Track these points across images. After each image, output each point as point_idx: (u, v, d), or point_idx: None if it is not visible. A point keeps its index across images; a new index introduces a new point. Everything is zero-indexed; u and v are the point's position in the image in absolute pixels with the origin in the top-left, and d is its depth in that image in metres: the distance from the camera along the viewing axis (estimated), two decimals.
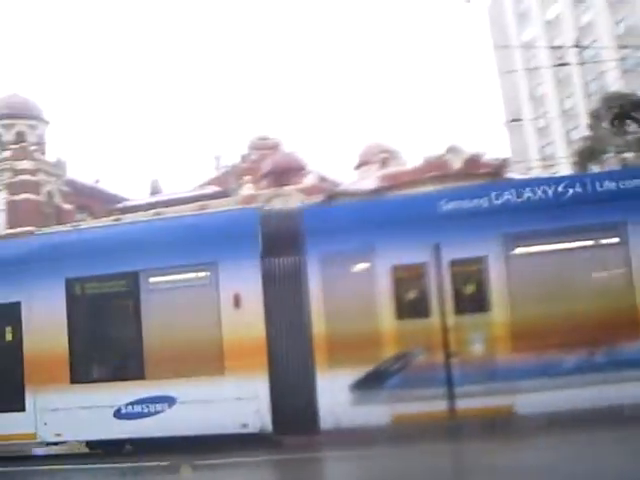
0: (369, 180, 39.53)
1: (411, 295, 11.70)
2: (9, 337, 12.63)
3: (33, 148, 44.97)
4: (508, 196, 11.57)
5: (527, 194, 11.50)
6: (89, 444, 12.60)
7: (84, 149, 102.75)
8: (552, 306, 10.88)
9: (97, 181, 49.88)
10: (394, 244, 11.41)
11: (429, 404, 10.98)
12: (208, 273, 11.93)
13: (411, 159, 42.46)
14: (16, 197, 41.80)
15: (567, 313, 10.77)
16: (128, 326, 12.35)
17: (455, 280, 11.28)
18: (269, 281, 11.72)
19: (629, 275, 10.87)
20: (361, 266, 11.69)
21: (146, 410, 11.83)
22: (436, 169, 34.78)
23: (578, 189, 11.41)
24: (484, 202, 11.63)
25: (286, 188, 41.30)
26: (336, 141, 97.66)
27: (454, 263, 11.28)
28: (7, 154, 43.65)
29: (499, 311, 11.11)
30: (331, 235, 11.74)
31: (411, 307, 11.60)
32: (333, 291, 11.46)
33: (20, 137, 46.11)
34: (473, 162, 27.43)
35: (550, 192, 11.45)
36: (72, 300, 12.40)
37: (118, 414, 11.84)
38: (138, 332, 12.06)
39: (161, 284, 12.22)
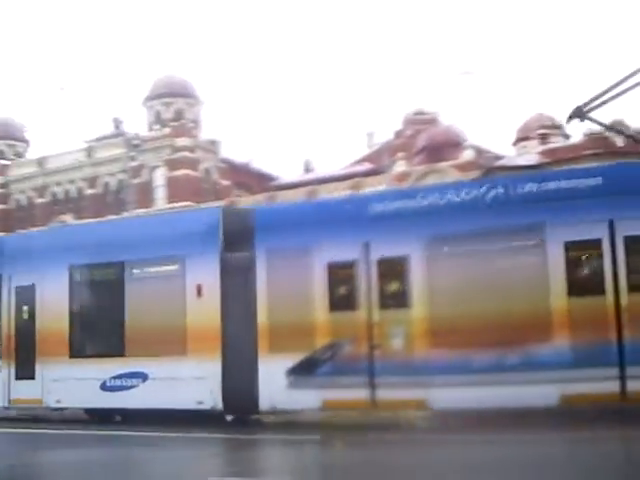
0: (529, 155, 38.64)
1: (343, 290, 12.61)
2: (26, 315, 15.21)
3: (191, 126, 48.33)
4: (432, 198, 12.21)
5: (450, 196, 12.06)
6: (87, 411, 15.05)
7: (236, 130, 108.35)
8: (469, 305, 11.34)
9: (250, 161, 51.92)
10: (329, 242, 12.46)
11: (354, 392, 11.96)
12: (177, 265, 13.68)
13: (576, 133, 40.07)
14: (175, 173, 44.91)
15: (483, 313, 11.20)
16: (114, 309, 14.24)
17: (381, 277, 12.18)
18: (225, 274, 13.23)
19: (545, 277, 11.11)
20: (300, 262, 12.70)
21: (125, 384, 13.84)
22: (598, 145, 33.78)
23: (499, 191, 11.82)
24: (411, 203, 12.39)
25: (441, 164, 41.20)
26: (499, 113, 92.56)
27: (381, 261, 12.18)
28: (167, 131, 46.63)
29: (419, 308, 11.84)
30: (276, 233, 13.06)
31: (342, 301, 12.50)
32: (276, 284, 12.76)
33: (179, 115, 49.67)
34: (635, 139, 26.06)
35: (471, 195, 11.95)
36: (73, 284, 14.76)
37: (104, 386, 13.97)
38: (121, 315, 14.11)
39: (141, 274, 14.17)
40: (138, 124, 49.02)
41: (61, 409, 14.98)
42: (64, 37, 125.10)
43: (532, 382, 10.74)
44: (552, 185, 11.63)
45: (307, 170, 50.28)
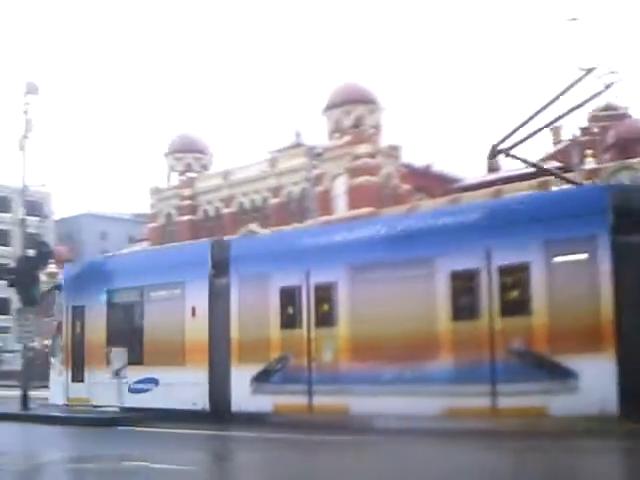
0: None
1: (289, 310, 15.22)
2: (78, 330, 19.18)
3: (371, 132, 50.05)
4: (355, 233, 15.07)
5: (366, 231, 15.03)
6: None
7: (417, 133, 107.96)
8: (379, 327, 13.72)
9: (431, 164, 52.70)
10: (281, 270, 15.25)
11: (296, 398, 14.64)
12: (179, 290, 17.01)
13: None
14: (356, 180, 46.81)
15: (388, 333, 13.54)
16: (137, 326, 17.92)
17: (317, 300, 14.81)
18: (212, 297, 16.38)
19: (434, 303, 13.14)
20: (259, 286, 15.53)
21: (143, 387, 17.29)
22: None
23: (399, 227, 14.29)
24: (335, 238, 15.19)
25: (632, 160, 39.95)
26: None
27: (317, 287, 14.79)
28: (347, 139, 48.64)
29: (343, 327, 14.37)
30: (245, 262, 16.09)
31: (289, 320, 15.17)
32: (243, 305, 15.76)
33: (359, 122, 51.67)
34: None
35: (382, 230, 14.56)
36: (110, 305, 18.50)
37: (129, 389, 17.43)
38: (141, 330, 17.70)
39: (155, 296, 17.61)
40: (318, 133, 51.31)
41: (99, 407, 18.32)
42: (243, 50, 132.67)
43: (422, 394, 12.91)
44: (439, 221, 13.72)
45: (492, 170, 50.08)
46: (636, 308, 11.39)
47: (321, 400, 14.24)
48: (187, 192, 54.20)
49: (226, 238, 22.54)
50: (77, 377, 18.92)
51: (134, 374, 17.24)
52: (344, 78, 54.78)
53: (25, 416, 18.21)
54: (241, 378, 15.39)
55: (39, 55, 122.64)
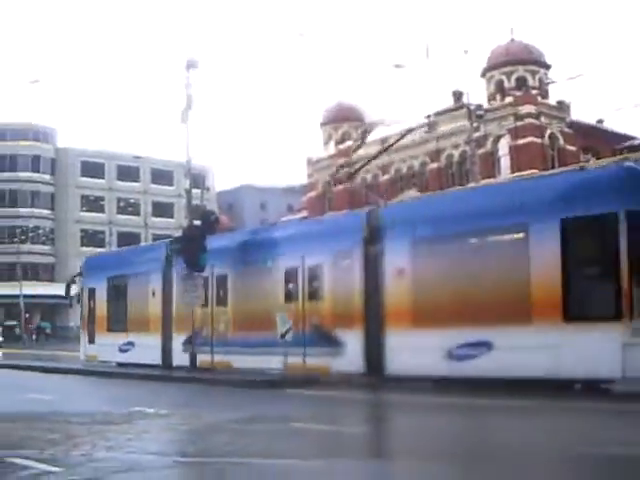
0: None
1: (202, 294, 21.63)
2: (92, 305, 26.83)
3: (534, 92, 49.95)
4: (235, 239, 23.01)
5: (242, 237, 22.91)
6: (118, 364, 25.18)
7: (584, 90, 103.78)
8: (248, 306, 20.61)
9: (600, 121, 52.09)
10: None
11: (205, 357, 21.49)
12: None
13: None
14: (520, 141, 47.24)
15: (253, 312, 20.41)
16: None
17: (218, 287, 21.62)
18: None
19: (275, 290, 19.93)
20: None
21: (126, 348, 24.65)
22: None
23: (253, 237, 22.20)
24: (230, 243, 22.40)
25: None
26: None
27: (217, 278, 21.58)
28: (509, 100, 49.38)
29: (230, 305, 21.38)
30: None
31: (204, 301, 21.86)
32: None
33: (521, 83, 51.73)
34: None
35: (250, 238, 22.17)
36: (109, 288, 26.00)
37: (120, 350, 24.65)
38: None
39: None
40: (477, 96, 52.28)
41: (104, 362, 25.53)
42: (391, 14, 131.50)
43: (273, 354, 18.73)
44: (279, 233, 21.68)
45: None
46: (376, 299, 16.78)
47: (217, 358, 21.52)
48: (344, 160, 57.18)
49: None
50: (91, 340, 26.75)
51: (121, 339, 24.79)
52: (505, 37, 55.18)
53: (170, 377, 21.07)
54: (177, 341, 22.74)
55: (196, 31, 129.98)
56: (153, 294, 23.33)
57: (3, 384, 20.81)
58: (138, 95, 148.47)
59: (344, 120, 60.91)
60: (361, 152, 57.34)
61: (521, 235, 14.39)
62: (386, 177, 53.78)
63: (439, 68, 49.01)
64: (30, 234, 73.67)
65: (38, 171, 75.22)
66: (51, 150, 76.34)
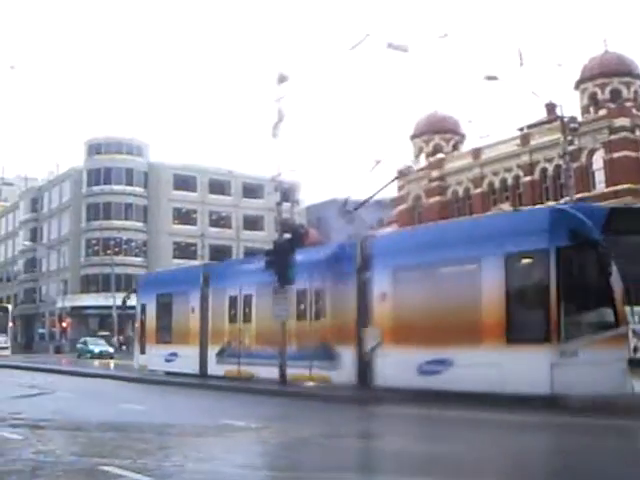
0: None
1: (232, 312, 24.98)
2: (144, 319, 29.88)
3: (629, 105, 48.88)
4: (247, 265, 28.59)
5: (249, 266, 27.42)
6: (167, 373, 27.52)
7: None
8: (266, 324, 23.01)
9: None
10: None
11: (232, 367, 24.43)
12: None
13: None
14: (614, 155, 46.14)
15: (266, 329, 23.14)
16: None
17: (244, 306, 24.59)
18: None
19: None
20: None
21: (170, 358, 27.72)
22: None
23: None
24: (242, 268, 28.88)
25: None
26: None
27: (244, 298, 24.69)
28: (603, 112, 48.33)
29: (254, 322, 24.16)
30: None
31: (231, 318, 25.03)
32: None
33: (615, 95, 50.74)
34: None
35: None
36: (159, 305, 28.88)
37: (166, 359, 27.52)
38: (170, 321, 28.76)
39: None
40: (570, 109, 51.90)
41: (152, 371, 28.09)
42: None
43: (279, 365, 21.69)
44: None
45: None
46: (365, 320, 19.38)
47: (243, 369, 24.29)
48: (436, 173, 57.59)
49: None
50: (142, 350, 29.49)
51: (168, 350, 27.94)
52: (599, 49, 54.61)
53: (283, 392, 20.98)
54: (211, 353, 26.09)
55: (287, 44, 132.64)
56: (192, 310, 26.49)
57: (94, 394, 22.18)
58: (229, 109, 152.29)
59: (435, 132, 61.33)
60: (452, 164, 57.59)
61: (475, 267, 16.53)
62: (478, 190, 53.92)
63: (532, 80, 49.11)
64: (124, 246, 76.92)
65: (132, 184, 78.21)
66: (144, 164, 79.40)
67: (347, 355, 19.63)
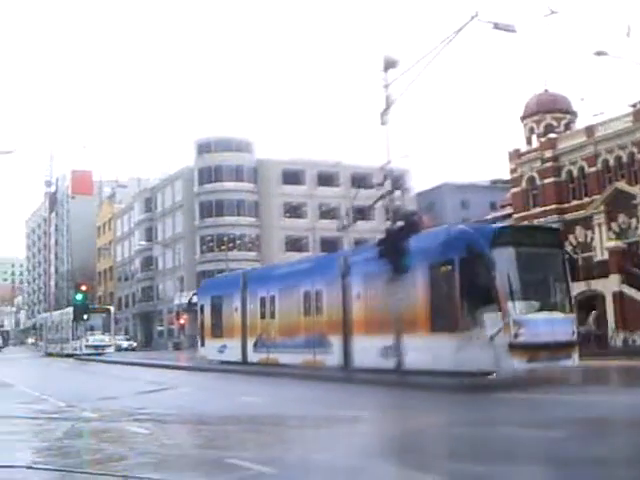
0: None
1: (262, 310, 30.83)
2: (202, 317, 36.52)
3: None
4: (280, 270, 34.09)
5: (283, 269, 33.34)
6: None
7: None
8: (289, 318, 28.86)
9: None
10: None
11: (263, 355, 30.25)
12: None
13: None
14: None
15: (294, 322, 28.39)
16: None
17: (270, 305, 30.64)
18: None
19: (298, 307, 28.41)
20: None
21: (222, 350, 34.28)
22: None
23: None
24: (272, 272, 34.90)
25: None
26: None
27: (269, 298, 30.69)
28: None
29: (277, 318, 29.80)
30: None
31: (262, 315, 30.89)
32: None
33: None
34: None
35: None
36: (213, 305, 35.44)
37: (220, 351, 33.78)
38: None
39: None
40: None
41: (209, 360, 34.10)
42: None
43: (301, 353, 27.32)
44: (302, 266, 31.61)
45: None
46: (347, 315, 25.07)
47: (271, 356, 30.45)
48: (549, 154, 57.68)
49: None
50: (202, 344, 36.02)
51: (221, 343, 34.30)
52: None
53: (401, 382, 20.75)
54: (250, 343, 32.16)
55: (392, 30, 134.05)
56: (236, 310, 32.73)
57: (212, 388, 23.53)
58: (334, 100, 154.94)
59: (546, 112, 61.26)
60: (566, 144, 57.76)
61: (412, 273, 20.92)
62: (593, 169, 53.92)
63: None
64: (237, 242, 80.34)
65: (242, 181, 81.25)
66: (253, 160, 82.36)
67: (336, 343, 25.40)
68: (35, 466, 8.90)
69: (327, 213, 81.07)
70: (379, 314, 22.94)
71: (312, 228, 77.27)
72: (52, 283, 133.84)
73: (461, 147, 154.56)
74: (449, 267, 20.36)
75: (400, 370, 20.61)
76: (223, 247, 76.94)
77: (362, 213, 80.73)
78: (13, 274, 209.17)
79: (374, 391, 19.97)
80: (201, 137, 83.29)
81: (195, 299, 39.57)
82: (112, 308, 64.47)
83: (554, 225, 48.17)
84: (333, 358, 25.38)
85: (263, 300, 30.79)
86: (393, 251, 21.41)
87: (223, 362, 32.44)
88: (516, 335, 18.38)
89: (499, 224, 25.13)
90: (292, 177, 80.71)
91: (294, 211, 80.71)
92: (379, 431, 12.10)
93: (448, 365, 19.36)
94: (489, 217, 65.02)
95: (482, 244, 19.51)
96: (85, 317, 49.48)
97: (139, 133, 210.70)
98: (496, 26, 20.98)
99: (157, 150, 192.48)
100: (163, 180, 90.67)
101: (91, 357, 50.14)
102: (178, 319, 75.27)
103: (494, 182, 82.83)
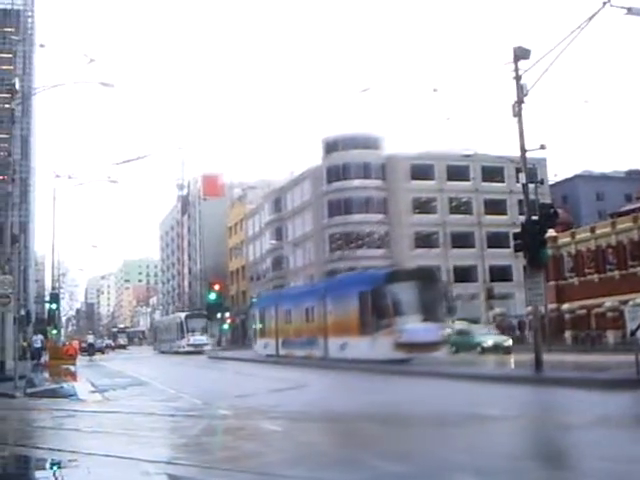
0: None
1: (286, 319, 43.63)
2: (255, 322, 51.01)
3: None
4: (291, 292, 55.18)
5: (291, 292, 56.33)
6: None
7: None
8: (294, 324, 41.87)
9: None
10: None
11: (288, 351, 41.62)
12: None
13: None
14: None
15: (302, 327, 40.39)
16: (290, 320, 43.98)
17: (286, 315, 44.07)
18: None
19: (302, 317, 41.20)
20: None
21: (265, 350, 46.59)
22: None
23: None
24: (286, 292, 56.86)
25: None
26: None
27: (286, 311, 43.93)
28: None
29: (292, 325, 42.06)
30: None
31: (286, 321, 43.26)
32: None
33: None
34: None
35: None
36: (278, 311, 44.75)
37: (263, 348, 47.08)
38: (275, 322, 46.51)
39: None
40: None
41: (259, 354, 45.81)
42: None
43: (307, 349, 38.62)
44: (305, 289, 52.96)
45: None
46: (325, 322, 37.59)
47: (286, 352, 42.21)
48: None
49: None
50: (255, 342, 48.63)
51: (271, 344, 45.28)
52: None
53: (538, 379, 20.21)
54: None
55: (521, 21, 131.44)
56: (271, 318, 45.30)
57: (339, 386, 23.44)
58: (464, 92, 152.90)
59: None
60: None
61: (350, 298, 34.13)
62: None
63: None
64: (365, 239, 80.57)
65: (370, 177, 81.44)
66: (381, 156, 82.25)
67: (320, 341, 36.93)
68: (175, 462, 9.25)
69: (458, 208, 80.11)
70: (339, 323, 35.29)
71: (442, 223, 76.43)
72: (185, 283, 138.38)
73: (597, 137, 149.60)
74: (366, 295, 32.57)
75: (349, 360, 32.11)
76: (352, 245, 77.27)
77: (494, 207, 79.64)
78: (148, 275, 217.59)
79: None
80: (328, 135, 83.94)
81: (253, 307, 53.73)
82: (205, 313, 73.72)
83: None
84: (319, 351, 36.95)
85: (286, 312, 43.24)
86: (530, 244, 21.11)
87: (267, 355, 43.95)
88: (399, 337, 29.64)
89: (391, 269, 38.47)
90: (421, 172, 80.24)
91: (423, 206, 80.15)
92: (529, 430, 11.83)
93: (368, 355, 30.55)
94: (624, 209, 62.64)
95: (381, 282, 32.18)
96: (219, 315, 58.81)
97: (266, 135, 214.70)
98: (630, 11, 20.23)
99: (284, 151, 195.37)
100: (291, 180, 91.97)
101: (193, 353, 62.58)
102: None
103: (630, 173, 79.95)
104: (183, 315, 76.17)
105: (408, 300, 31.20)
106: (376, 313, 31.17)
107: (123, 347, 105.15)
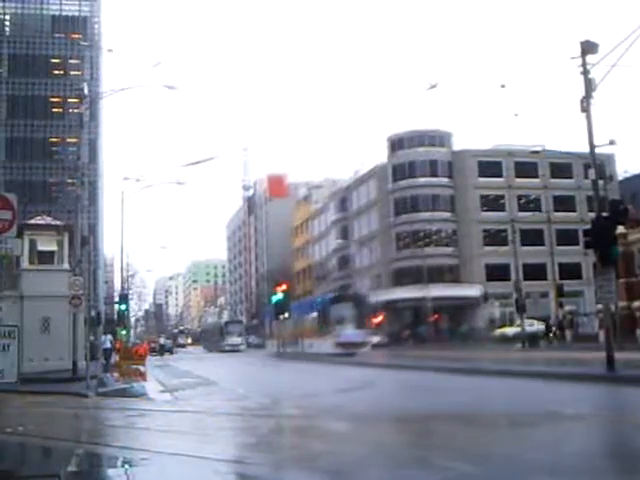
0: None
1: (297, 324, 58.15)
2: (286, 323, 60.39)
3: None
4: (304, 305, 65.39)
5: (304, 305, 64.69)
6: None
7: None
8: (302, 328, 56.75)
9: None
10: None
11: (291, 350, 56.19)
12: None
13: None
14: None
15: (303, 329, 56.08)
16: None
17: (295, 322, 58.87)
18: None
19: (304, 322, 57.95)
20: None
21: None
22: None
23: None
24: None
25: None
26: None
27: (296, 319, 58.60)
28: None
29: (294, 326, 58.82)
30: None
31: (297, 327, 58.49)
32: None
33: None
34: None
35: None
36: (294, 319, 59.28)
37: (309, 347, 54.73)
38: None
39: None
40: None
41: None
42: None
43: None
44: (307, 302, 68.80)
45: None
46: (314, 328, 55.62)
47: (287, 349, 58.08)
48: None
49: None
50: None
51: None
52: None
53: (610, 378, 19.62)
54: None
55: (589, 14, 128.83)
56: (291, 323, 57.15)
57: (408, 385, 22.79)
58: (532, 87, 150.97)
59: None
60: None
61: (309, 313, 55.22)
62: None
63: None
64: (433, 237, 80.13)
65: (436, 175, 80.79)
66: (448, 153, 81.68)
67: (300, 342, 52.00)
68: (245, 460, 9.32)
69: (527, 204, 79.12)
70: (308, 330, 51.97)
71: (511, 220, 75.50)
72: (253, 283, 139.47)
73: None
74: (321, 311, 51.06)
75: (314, 353, 46.34)
76: (419, 243, 76.97)
77: (563, 203, 78.48)
78: (216, 275, 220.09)
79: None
80: (394, 133, 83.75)
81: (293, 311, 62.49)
82: (244, 319, 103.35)
83: None
84: (300, 348, 51.68)
85: (298, 319, 55.76)
86: (601, 241, 20.81)
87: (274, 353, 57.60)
88: (338, 338, 46.63)
89: (333, 295, 58.92)
90: (488, 168, 79.62)
91: (492, 204, 79.33)
92: (607, 429, 11.55)
93: (323, 350, 44.92)
94: None
95: (328, 303, 52.16)
96: (284, 315, 60.54)
97: (331, 133, 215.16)
98: None
99: (350, 150, 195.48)
100: (357, 179, 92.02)
101: (232, 351, 79.43)
102: (375, 316, 75.63)
103: None
104: (223, 322, 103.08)
105: (344, 315, 49.92)
106: (325, 323, 50.87)
107: (183, 346, 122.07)
